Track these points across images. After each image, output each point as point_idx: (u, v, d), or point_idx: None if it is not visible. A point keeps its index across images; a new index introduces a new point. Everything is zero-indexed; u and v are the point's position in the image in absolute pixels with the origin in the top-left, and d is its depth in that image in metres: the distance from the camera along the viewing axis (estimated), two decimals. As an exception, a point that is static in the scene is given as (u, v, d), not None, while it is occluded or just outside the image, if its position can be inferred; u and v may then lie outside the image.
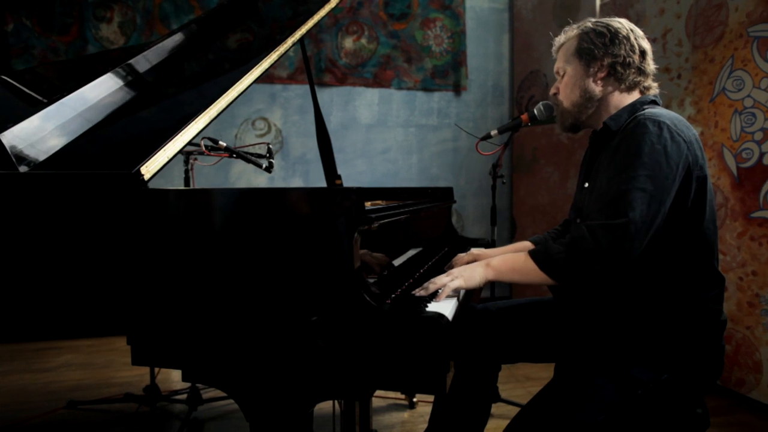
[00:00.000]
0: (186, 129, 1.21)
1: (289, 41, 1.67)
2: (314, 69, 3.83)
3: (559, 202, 3.70)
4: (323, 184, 2.09)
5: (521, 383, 2.72)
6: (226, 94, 1.35)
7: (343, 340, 0.98)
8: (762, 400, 2.34)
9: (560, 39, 1.41)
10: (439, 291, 1.21)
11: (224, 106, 1.35)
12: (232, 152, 1.89)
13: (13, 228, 1.11)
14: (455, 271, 1.28)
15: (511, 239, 4.24)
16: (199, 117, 1.25)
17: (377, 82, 4.02)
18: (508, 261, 1.27)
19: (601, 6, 3.32)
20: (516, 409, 2.28)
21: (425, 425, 1.83)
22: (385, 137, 4.07)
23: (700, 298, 1.21)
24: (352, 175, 3.94)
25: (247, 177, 3.80)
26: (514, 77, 4.26)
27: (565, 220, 1.67)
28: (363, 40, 3.97)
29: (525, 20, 4.09)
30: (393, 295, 1.22)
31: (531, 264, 1.20)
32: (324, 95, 3.87)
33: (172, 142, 1.17)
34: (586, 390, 1.17)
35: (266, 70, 1.55)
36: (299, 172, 3.91)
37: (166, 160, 1.15)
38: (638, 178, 1.13)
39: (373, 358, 0.97)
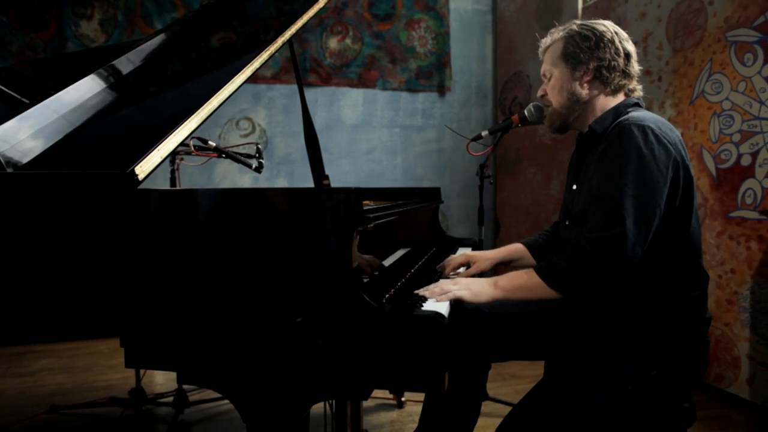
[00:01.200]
0: (179, 129, 1.21)
1: (279, 41, 1.66)
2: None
3: (542, 203, 3.75)
4: (309, 184, 2.08)
5: (507, 381, 2.74)
6: (218, 94, 1.34)
7: (342, 340, 0.98)
8: (740, 395, 2.40)
9: (546, 41, 1.42)
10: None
11: (216, 106, 1.34)
12: (221, 152, 1.88)
13: (4, 229, 1.09)
14: (463, 281, 1.28)
15: (495, 239, 4.28)
16: (192, 117, 1.24)
17: (362, 82, 4.02)
18: (515, 280, 1.27)
19: (584, 9, 3.38)
20: (503, 407, 2.31)
21: (414, 425, 1.84)
22: (370, 137, 4.08)
23: (687, 296, 1.24)
24: (336, 176, 3.93)
25: (231, 177, 3.77)
26: (497, 78, 4.30)
27: (555, 222, 1.69)
28: (348, 41, 3.97)
29: (508, 22, 4.14)
30: (387, 295, 1.22)
31: (537, 281, 1.21)
32: (309, 95, 3.83)
33: (165, 141, 1.16)
34: (578, 387, 1.19)
35: (256, 69, 1.54)
36: (284, 172, 3.89)
37: (160, 160, 1.14)
38: (629, 184, 1.14)
39: (373, 357, 0.97)
